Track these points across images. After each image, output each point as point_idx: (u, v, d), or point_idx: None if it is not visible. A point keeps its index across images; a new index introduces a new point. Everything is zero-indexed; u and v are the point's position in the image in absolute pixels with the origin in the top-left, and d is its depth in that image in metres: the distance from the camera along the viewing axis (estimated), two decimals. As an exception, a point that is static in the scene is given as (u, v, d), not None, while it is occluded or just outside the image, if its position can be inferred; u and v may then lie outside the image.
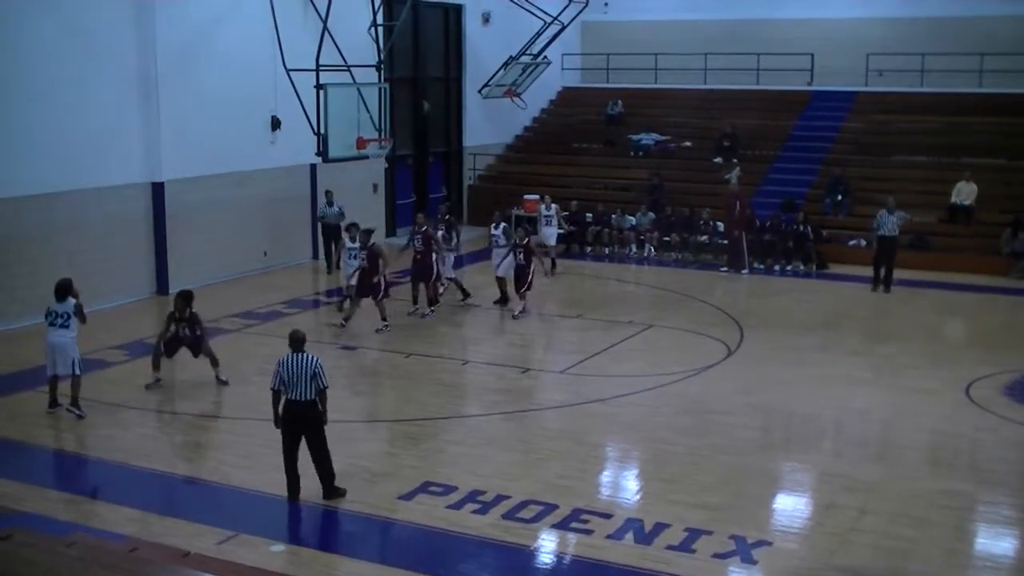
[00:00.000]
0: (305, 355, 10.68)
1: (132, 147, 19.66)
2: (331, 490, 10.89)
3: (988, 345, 17.39)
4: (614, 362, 16.12)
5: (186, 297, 14.82)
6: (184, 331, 14.66)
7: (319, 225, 23.24)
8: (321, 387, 10.61)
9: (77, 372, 13.28)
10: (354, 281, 17.75)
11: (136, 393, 14.49)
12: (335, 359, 15.63)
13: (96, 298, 18.86)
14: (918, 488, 11.34)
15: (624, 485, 11.93)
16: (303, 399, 10.58)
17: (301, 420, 10.67)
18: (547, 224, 23.15)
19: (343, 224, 19.71)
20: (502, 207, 22.54)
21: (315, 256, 23.90)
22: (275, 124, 22.19)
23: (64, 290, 13.33)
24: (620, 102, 31.07)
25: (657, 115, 30.87)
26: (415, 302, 18.85)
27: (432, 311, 18.70)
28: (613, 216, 25.96)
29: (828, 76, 29.67)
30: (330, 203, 22.62)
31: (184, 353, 14.79)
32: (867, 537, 10.17)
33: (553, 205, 23.41)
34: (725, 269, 23.41)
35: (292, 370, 10.58)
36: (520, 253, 18.64)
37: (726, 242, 23.97)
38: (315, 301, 20.76)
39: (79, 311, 13.33)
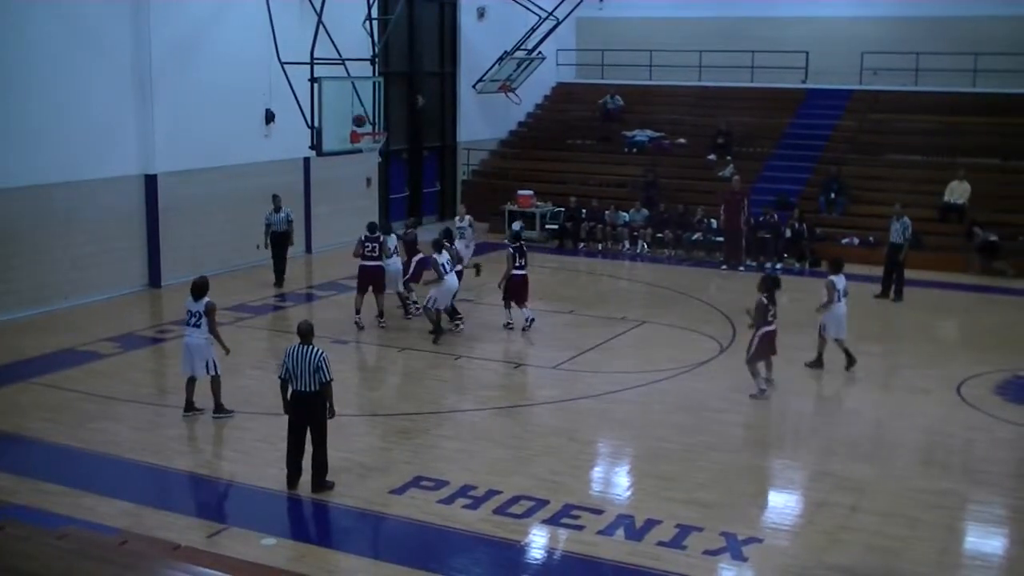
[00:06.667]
0: (311, 347, 10.80)
1: (126, 140, 19.61)
2: (320, 483, 10.94)
3: (980, 344, 17.44)
4: (607, 358, 16.14)
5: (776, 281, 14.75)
6: (772, 316, 14.41)
7: (266, 233, 20.52)
8: (324, 380, 10.73)
9: (213, 373, 13.03)
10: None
11: (129, 386, 14.48)
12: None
13: (89, 290, 18.96)
14: (910, 487, 11.38)
15: (615, 481, 11.95)
16: (306, 390, 10.75)
17: (305, 411, 10.82)
18: (460, 237, 19.92)
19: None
20: (495, 202, 22.41)
21: (308, 250, 23.87)
22: (269, 118, 22.15)
23: (200, 289, 12.93)
24: (619, 96, 31.05)
25: (652, 112, 30.85)
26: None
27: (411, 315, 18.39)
28: (607, 212, 25.99)
29: (823, 75, 29.71)
30: (277, 209, 20.45)
31: (178, 347, 14.73)
32: (858, 536, 10.20)
33: (467, 216, 21.19)
34: (726, 267, 23.37)
35: (296, 361, 10.73)
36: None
37: (721, 239, 23.99)
38: (308, 295, 20.70)
39: (210, 313, 12.89)
